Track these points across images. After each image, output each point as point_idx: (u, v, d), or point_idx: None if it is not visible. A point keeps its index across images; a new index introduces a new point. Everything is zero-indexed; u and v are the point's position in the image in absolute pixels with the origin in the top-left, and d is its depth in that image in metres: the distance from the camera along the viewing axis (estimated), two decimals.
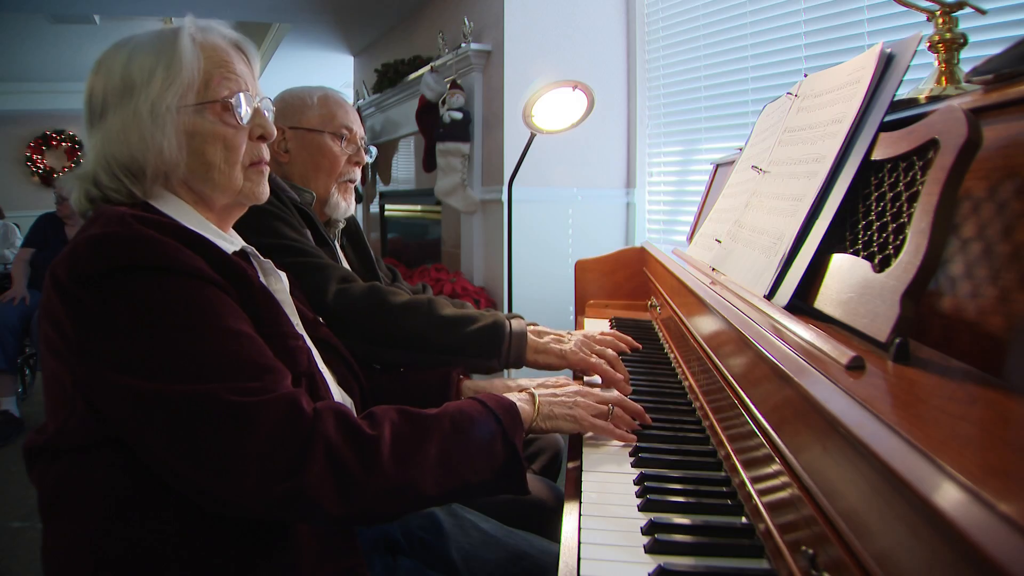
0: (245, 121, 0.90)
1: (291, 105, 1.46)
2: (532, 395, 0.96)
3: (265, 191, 0.95)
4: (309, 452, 0.71)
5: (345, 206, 1.49)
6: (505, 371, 1.30)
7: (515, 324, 1.24)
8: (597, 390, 1.04)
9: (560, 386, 1.05)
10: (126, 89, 0.84)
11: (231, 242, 0.92)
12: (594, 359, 1.20)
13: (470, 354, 1.20)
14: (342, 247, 1.54)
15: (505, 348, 1.21)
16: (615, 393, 1.03)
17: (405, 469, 0.76)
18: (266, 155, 0.95)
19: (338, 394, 1.00)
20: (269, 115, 0.96)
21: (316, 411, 0.74)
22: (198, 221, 0.89)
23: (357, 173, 1.51)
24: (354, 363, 1.06)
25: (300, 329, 0.97)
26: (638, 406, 1.02)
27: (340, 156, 1.46)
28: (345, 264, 1.47)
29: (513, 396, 0.94)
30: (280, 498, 0.70)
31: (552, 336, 1.26)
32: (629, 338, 1.38)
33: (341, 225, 1.52)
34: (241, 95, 0.89)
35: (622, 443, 0.96)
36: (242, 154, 0.90)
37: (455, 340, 1.20)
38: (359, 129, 1.51)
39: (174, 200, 0.88)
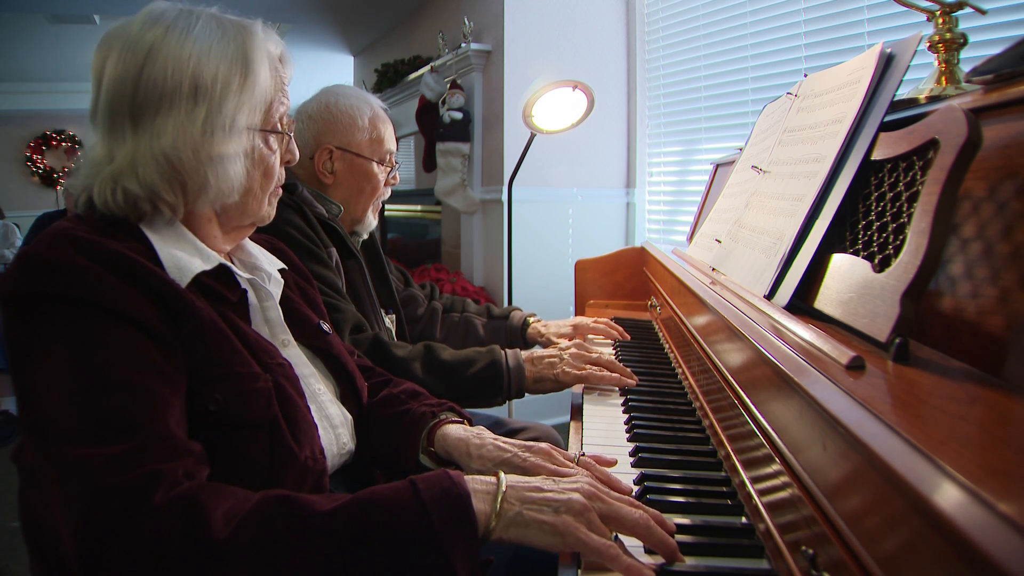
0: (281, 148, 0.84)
1: (341, 123, 1.41)
2: (498, 484, 0.68)
3: (272, 214, 0.90)
4: (128, 559, 0.57)
5: (373, 222, 1.51)
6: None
7: (511, 360, 1.25)
8: (609, 491, 0.71)
9: (555, 465, 0.80)
10: (192, 93, 0.74)
11: (207, 259, 0.79)
12: (588, 369, 1.21)
13: (472, 397, 1.23)
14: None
15: (504, 387, 1.24)
16: (638, 515, 0.68)
17: None
18: (283, 177, 0.88)
19: (336, 410, 0.93)
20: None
21: (164, 504, 0.59)
22: (176, 235, 0.79)
23: (389, 191, 1.51)
24: (357, 380, 1.02)
25: (289, 345, 0.90)
26: (671, 525, 0.69)
27: (381, 180, 1.46)
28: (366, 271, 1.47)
29: (477, 480, 0.69)
30: None
31: (547, 358, 1.26)
32: (620, 327, 1.55)
33: (364, 236, 1.53)
34: (286, 120, 0.83)
35: None
36: (275, 181, 0.85)
37: (455, 386, 1.22)
38: (394, 146, 1.50)
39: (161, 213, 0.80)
